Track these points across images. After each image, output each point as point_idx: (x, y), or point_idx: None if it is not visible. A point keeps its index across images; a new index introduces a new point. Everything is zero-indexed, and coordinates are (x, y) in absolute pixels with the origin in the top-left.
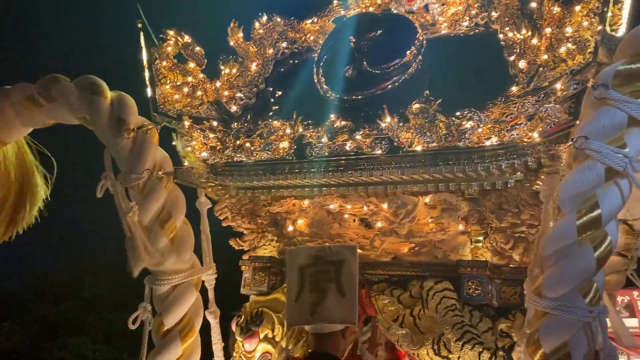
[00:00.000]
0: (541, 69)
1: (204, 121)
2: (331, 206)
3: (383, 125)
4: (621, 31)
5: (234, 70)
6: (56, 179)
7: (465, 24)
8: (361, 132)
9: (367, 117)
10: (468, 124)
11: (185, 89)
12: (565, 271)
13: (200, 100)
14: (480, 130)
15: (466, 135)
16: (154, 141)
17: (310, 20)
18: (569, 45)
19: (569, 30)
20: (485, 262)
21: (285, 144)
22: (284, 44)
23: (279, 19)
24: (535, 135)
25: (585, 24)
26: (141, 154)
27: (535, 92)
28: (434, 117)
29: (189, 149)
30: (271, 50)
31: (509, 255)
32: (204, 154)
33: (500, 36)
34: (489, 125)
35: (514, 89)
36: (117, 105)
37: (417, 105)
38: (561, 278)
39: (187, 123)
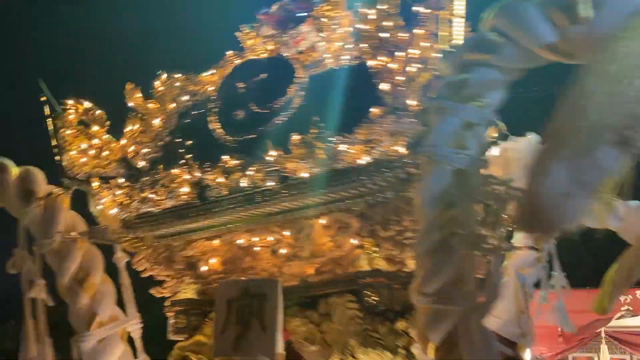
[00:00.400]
0: (399, 88)
1: (112, 180)
2: (240, 241)
3: (269, 159)
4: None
5: (137, 127)
6: None
7: (345, 57)
8: (253, 168)
9: (257, 153)
10: (342, 147)
11: (92, 152)
12: (436, 267)
13: (107, 160)
14: (353, 151)
15: (340, 157)
16: (64, 206)
17: (208, 72)
18: (417, 65)
19: (415, 52)
20: (376, 271)
21: (186, 189)
22: (185, 97)
23: (178, 75)
24: (399, 148)
25: (426, 44)
26: (52, 219)
27: (394, 111)
28: (312, 145)
29: (100, 207)
30: (173, 105)
31: (400, 260)
32: (114, 210)
33: (369, 64)
34: (360, 146)
35: (376, 110)
36: (23, 179)
37: (295, 137)
38: (434, 273)
39: (95, 184)
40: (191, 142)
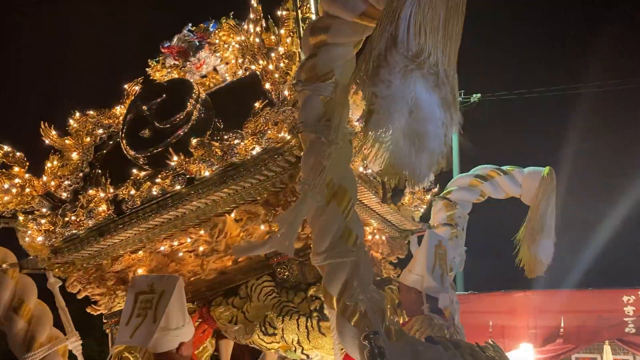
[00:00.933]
0: (277, 85)
1: (37, 211)
2: (162, 248)
3: (173, 164)
4: None
5: (55, 162)
6: None
7: (240, 72)
8: (160, 176)
9: (164, 163)
10: (235, 142)
11: (14, 190)
12: (322, 228)
13: (30, 196)
14: (244, 143)
15: (235, 150)
16: None
17: (119, 106)
18: (286, 60)
19: (281, 49)
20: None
21: (103, 207)
22: (100, 131)
23: (91, 112)
24: (284, 135)
25: (289, 40)
26: None
27: (273, 103)
28: (210, 145)
29: (27, 239)
30: (88, 139)
31: (304, 237)
32: (40, 238)
33: (256, 71)
34: (250, 138)
35: (257, 104)
36: None
37: (194, 141)
38: (321, 234)
39: (21, 218)
40: (107, 168)
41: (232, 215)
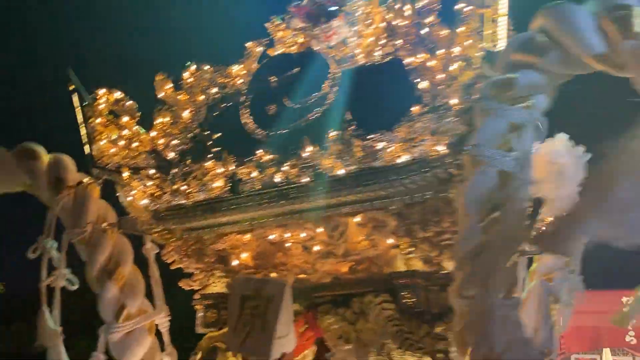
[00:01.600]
0: (439, 87)
1: (142, 170)
2: (272, 236)
3: (305, 155)
4: (501, 46)
5: (167, 119)
6: None
7: (378, 53)
8: (288, 164)
9: (291, 149)
10: (380, 145)
11: (122, 142)
12: (477, 270)
13: (137, 151)
14: (391, 149)
15: (379, 155)
16: (95, 195)
17: (237, 66)
18: (459, 62)
19: (457, 49)
20: (414, 272)
21: (219, 183)
22: (214, 90)
23: (207, 67)
24: (440, 148)
25: (470, 42)
26: (83, 208)
27: (435, 110)
28: (350, 142)
29: (130, 198)
30: (202, 97)
31: (437, 262)
32: (145, 201)
33: (405, 62)
34: (399, 144)
35: (416, 108)
36: (54, 166)
37: (333, 133)
38: (474, 276)
39: (125, 174)
40: (220, 134)
41: (357, 219)
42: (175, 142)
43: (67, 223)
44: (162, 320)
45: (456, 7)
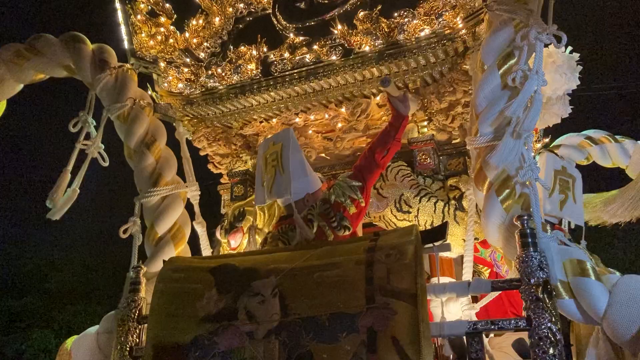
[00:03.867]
0: None
1: (179, 60)
2: (297, 120)
3: (335, 32)
4: None
5: (200, 22)
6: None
7: None
8: (317, 43)
9: (321, 32)
10: (405, 20)
11: (159, 37)
12: (494, 110)
13: (172, 47)
14: (415, 22)
15: (404, 28)
16: (134, 78)
17: None
18: None
19: None
20: (431, 136)
21: (252, 66)
22: (242, 5)
23: None
24: (459, 20)
25: None
26: (123, 86)
27: None
28: (377, 20)
29: (165, 85)
30: (230, 9)
31: (450, 130)
32: (180, 86)
33: None
34: (422, 18)
35: None
36: (99, 50)
37: (362, 13)
38: (491, 114)
39: (162, 64)
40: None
41: (378, 98)
42: (206, 44)
43: (108, 100)
44: (194, 194)
45: None
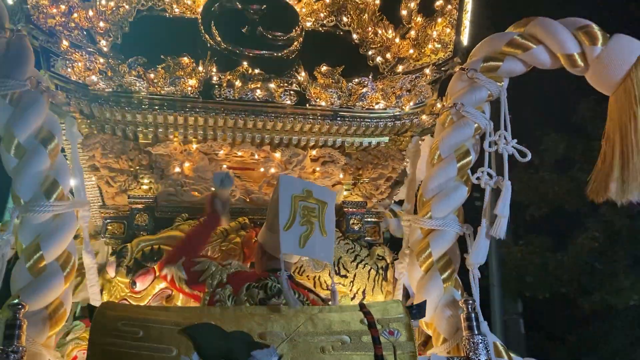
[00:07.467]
0: (406, 59)
1: (91, 46)
2: (220, 152)
3: (299, 78)
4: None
5: (111, 4)
6: None
7: (309, 24)
8: (274, 82)
9: (278, 71)
10: (364, 90)
11: (63, 7)
12: (449, 199)
13: (75, 23)
14: (374, 95)
15: (365, 97)
16: (32, 49)
17: None
18: (435, 44)
19: (434, 33)
20: (364, 202)
21: (193, 82)
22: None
23: None
24: (410, 105)
25: (448, 30)
26: (21, 58)
27: (414, 72)
28: (339, 79)
29: (69, 69)
30: None
31: (375, 198)
32: (93, 78)
33: (354, 36)
34: (380, 93)
35: (400, 68)
36: None
37: (325, 68)
38: (446, 204)
39: (65, 43)
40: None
41: (313, 152)
42: (111, 31)
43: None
44: (84, 214)
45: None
